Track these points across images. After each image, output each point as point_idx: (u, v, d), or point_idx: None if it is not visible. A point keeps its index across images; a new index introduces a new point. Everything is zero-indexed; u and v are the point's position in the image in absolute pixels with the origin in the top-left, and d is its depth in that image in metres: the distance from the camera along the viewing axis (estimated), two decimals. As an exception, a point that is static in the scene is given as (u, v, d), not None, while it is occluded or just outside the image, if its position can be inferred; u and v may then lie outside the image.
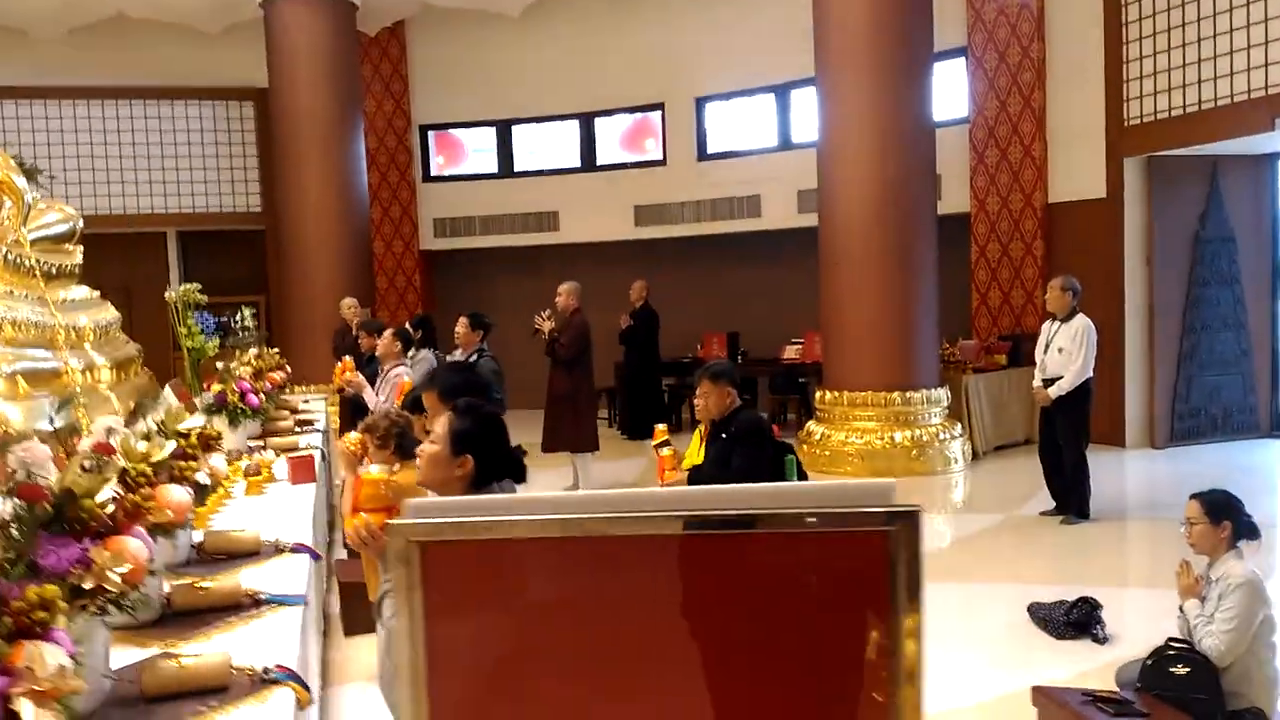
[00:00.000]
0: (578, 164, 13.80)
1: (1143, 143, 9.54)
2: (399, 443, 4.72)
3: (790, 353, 11.57)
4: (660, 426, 6.04)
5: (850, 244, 9.22)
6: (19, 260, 6.88)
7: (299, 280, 11.97)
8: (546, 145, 14.03)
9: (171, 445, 3.22)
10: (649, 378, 11.53)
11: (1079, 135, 10.09)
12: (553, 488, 8.64)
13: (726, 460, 5.40)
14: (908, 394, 9.15)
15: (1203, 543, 3.98)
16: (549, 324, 8.40)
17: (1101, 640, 5.05)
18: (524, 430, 10.60)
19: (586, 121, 13.68)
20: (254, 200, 13.80)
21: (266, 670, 2.55)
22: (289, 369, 8.37)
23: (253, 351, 7.87)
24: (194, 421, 6.21)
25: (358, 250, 12.24)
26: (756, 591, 1.06)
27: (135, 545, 2.52)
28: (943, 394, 9.34)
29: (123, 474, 3.03)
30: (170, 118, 14.01)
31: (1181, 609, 4.04)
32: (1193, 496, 4.05)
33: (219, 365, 7.07)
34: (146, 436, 3.27)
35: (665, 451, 5.50)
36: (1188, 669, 3.81)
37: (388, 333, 7.22)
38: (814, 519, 1.01)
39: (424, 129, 14.15)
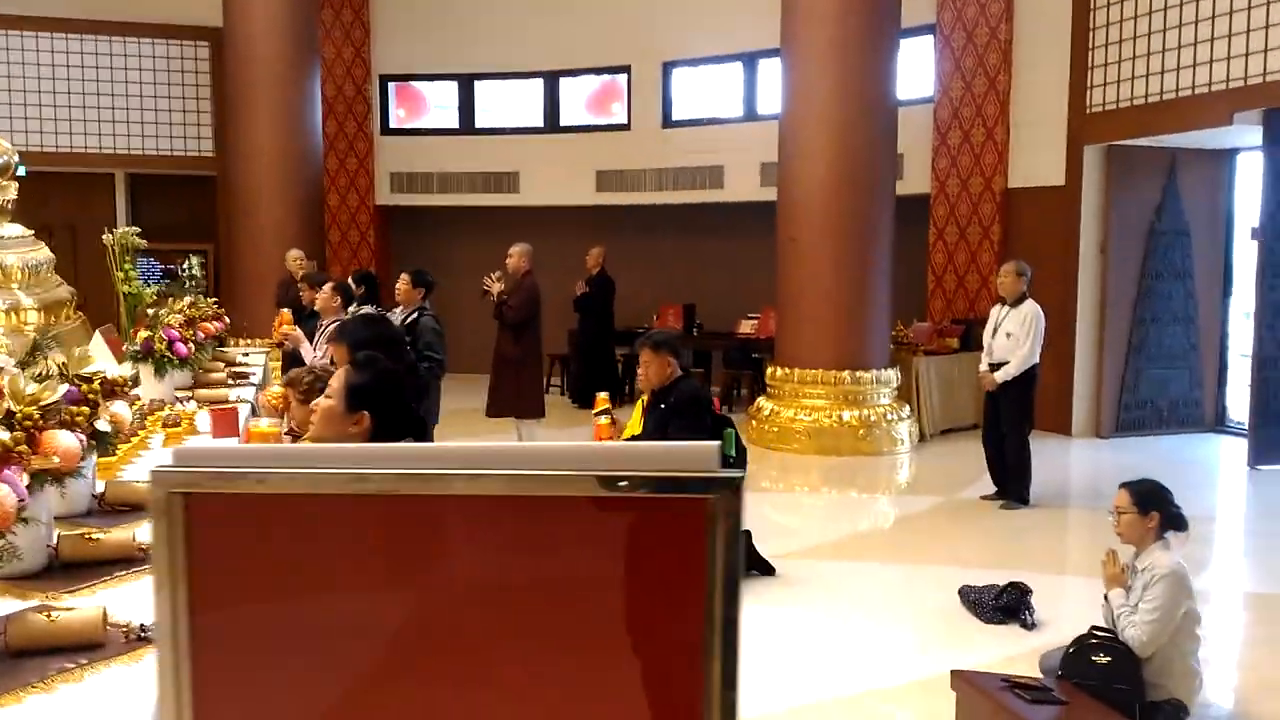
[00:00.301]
0: (540, 124, 13.56)
1: (1104, 131, 9.51)
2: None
3: (746, 327, 11.50)
4: (601, 395, 5.93)
5: (807, 218, 9.13)
6: (-59, 193, 6.59)
7: (247, 230, 11.68)
8: (509, 104, 13.78)
9: (64, 389, 3.07)
10: (602, 346, 11.40)
11: (1041, 120, 10.04)
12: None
13: (665, 431, 5.31)
14: (858, 373, 9.11)
15: (1130, 532, 3.95)
16: (498, 285, 8.24)
17: (1030, 626, 5.04)
18: (472, 394, 10.56)
19: (551, 81, 13.44)
20: (205, 144, 13.42)
21: (143, 628, 2.43)
22: (227, 320, 8.13)
23: (187, 300, 7.63)
24: (120, 369, 6.02)
25: (309, 201, 11.96)
26: (562, 558, 0.95)
27: (3, 491, 2.38)
28: (893, 375, 9.32)
29: (8, 416, 2.89)
30: (123, 55, 13.57)
31: (1106, 598, 4.02)
32: (1122, 485, 4.02)
33: (149, 312, 6.85)
34: (39, 379, 3.11)
35: (603, 420, 5.41)
36: (1109, 658, 3.79)
37: (327, 287, 7.03)
38: (626, 483, 0.90)
39: (384, 79, 13.84)
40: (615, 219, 13.13)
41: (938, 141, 10.84)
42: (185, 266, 14.45)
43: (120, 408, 3.65)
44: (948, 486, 8.11)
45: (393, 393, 2.62)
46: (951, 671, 3.78)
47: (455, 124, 13.87)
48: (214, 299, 8.45)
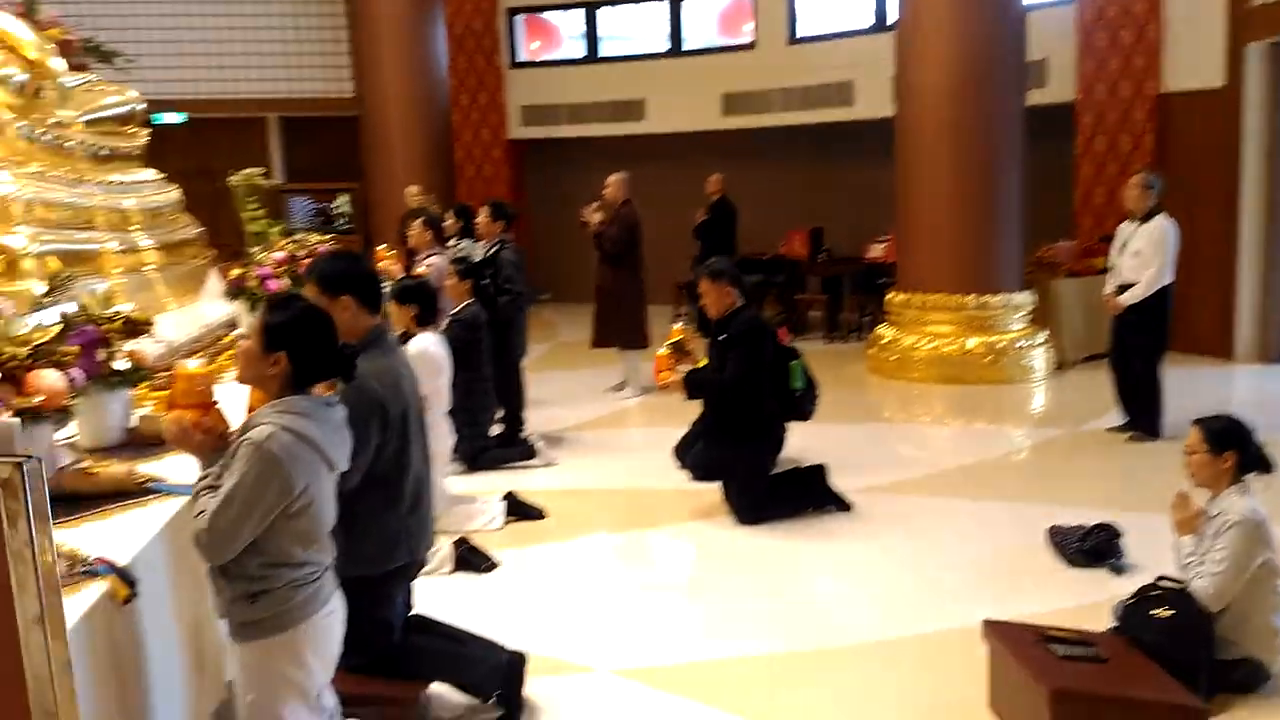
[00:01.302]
0: (665, 49, 13.25)
1: (1267, 26, 8.44)
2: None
3: (875, 251, 10.98)
4: (677, 326, 5.79)
5: (928, 132, 8.57)
6: (59, 141, 6.99)
7: (382, 167, 12.01)
8: (633, 29, 13.51)
9: (58, 328, 3.18)
10: (724, 274, 11.15)
11: (1197, 17, 9.01)
12: (602, 384, 8.51)
13: (723, 363, 5.13)
14: (984, 298, 8.56)
15: (1202, 474, 3.54)
16: (596, 216, 8.12)
17: (1120, 571, 4.62)
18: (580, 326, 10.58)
19: (675, 3, 13.07)
20: (347, 86, 13.79)
21: (87, 561, 2.49)
22: (385, 256, 8.30)
23: (296, 238, 7.89)
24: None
25: (437, 137, 12.16)
26: None
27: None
28: (1025, 298, 8.70)
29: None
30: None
31: (1177, 546, 3.63)
32: (1195, 422, 3.59)
33: (250, 251, 7.10)
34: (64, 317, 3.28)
35: (662, 351, 5.27)
36: (1172, 611, 3.43)
37: (417, 222, 7.13)
38: None
39: (511, 11, 13.81)
40: (742, 143, 12.77)
41: (1082, 44, 9.90)
42: (334, 205, 14.99)
43: (144, 345, 3.76)
44: (1077, 417, 7.55)
45: (312, 332, 2.56)
46: (984, 621, 3.50)
47: (581, 53, 13.74)
48: (353, 234, 8.63)
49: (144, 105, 8.76)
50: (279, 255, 7.05)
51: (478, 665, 3.37)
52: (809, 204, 12.26)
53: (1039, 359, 8.66)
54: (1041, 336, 8.79)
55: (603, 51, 13.64)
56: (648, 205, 11.72)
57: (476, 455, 6.28)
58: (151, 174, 8.73)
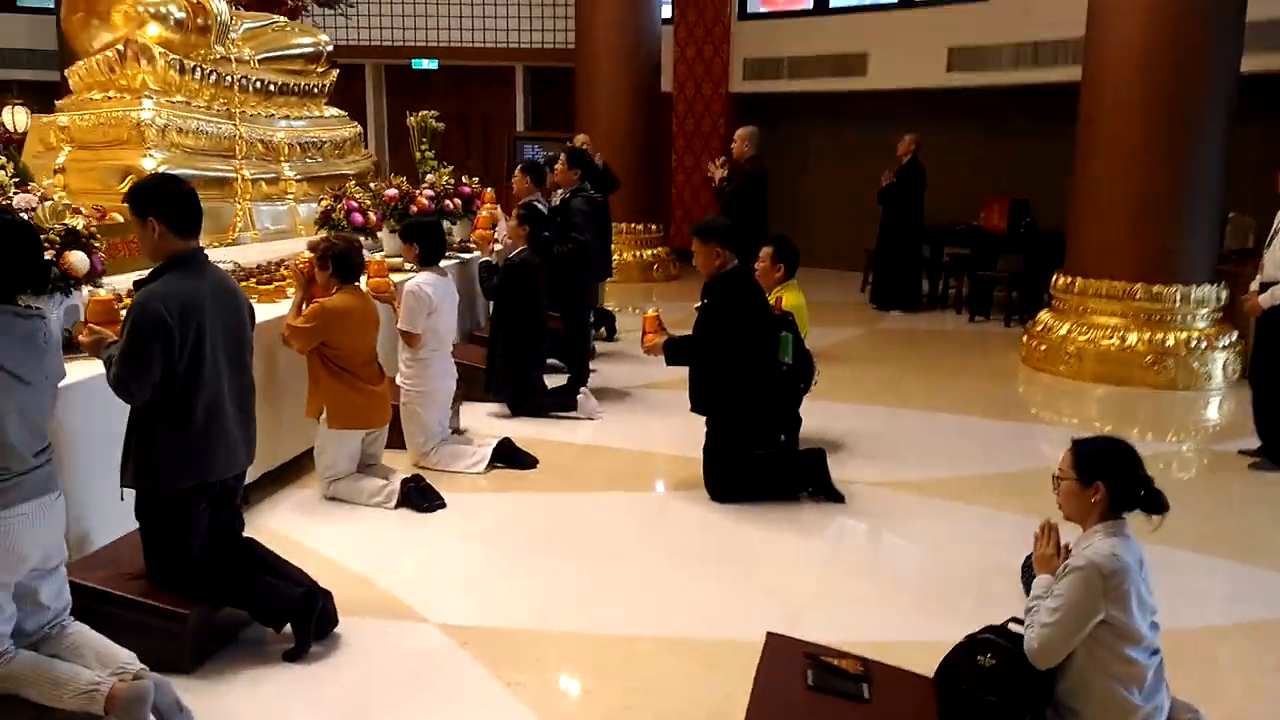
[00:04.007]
0: (894, 0, 12.43)
1: None
2: (336, 265, 4.80)
3: (1084, 228, 9.77)
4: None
5: (1116, 94, 7.47)
6: (215, 74, 7.75)
7: (590, 118, 12.22)
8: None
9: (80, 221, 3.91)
10: (907, 244, 10.41)
11: None
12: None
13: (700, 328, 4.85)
14: (1156, 288, 7.41)
15: (1069, 505, 2.93)
16: (721, 171, 7.83)
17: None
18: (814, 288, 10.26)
19: (907, -50, 12.20)
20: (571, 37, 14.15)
21: None
22: (486, 197, 8.61)
23: (435, 174, 8.26)
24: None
25: (646, 89, 12.18)
26: None
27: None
28: (1208, 292, 7.44)
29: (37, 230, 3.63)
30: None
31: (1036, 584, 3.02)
32: (1073, 442, 2.95)
33: (363, 185, 7.51)
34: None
35: (651, 311, 5.06)
36: (994, 661, 2.88)
37: (518, 169, 7.22)
38: None
39: (741, -39, 13.52)
40: (964, 102, 11.79)
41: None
42: (550, 154, 15.36)
43: (78, 256, 4.09)
44: (1215, 434, 6.43)
45: (8, 246, 2.70)
46: (768, 633, 3.10)
47: (810, 4, 13.18)
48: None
49: (331, 47, 9.49)
50: (391, 191, 7.44)
51: (268, 597, 3.44)
52: (1021, 172, 11.15)
53: (1218, 364, 7.39)
54: (1229, 338, 7.48)
55: (833, 3, 13.02)
56: (862, 164, 11.12)
57: (520, 400, 6.35)
58: (332, 111, 9.47)
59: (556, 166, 6.98)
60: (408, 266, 5.88)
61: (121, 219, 6.30)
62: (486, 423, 6.21)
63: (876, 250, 10.74)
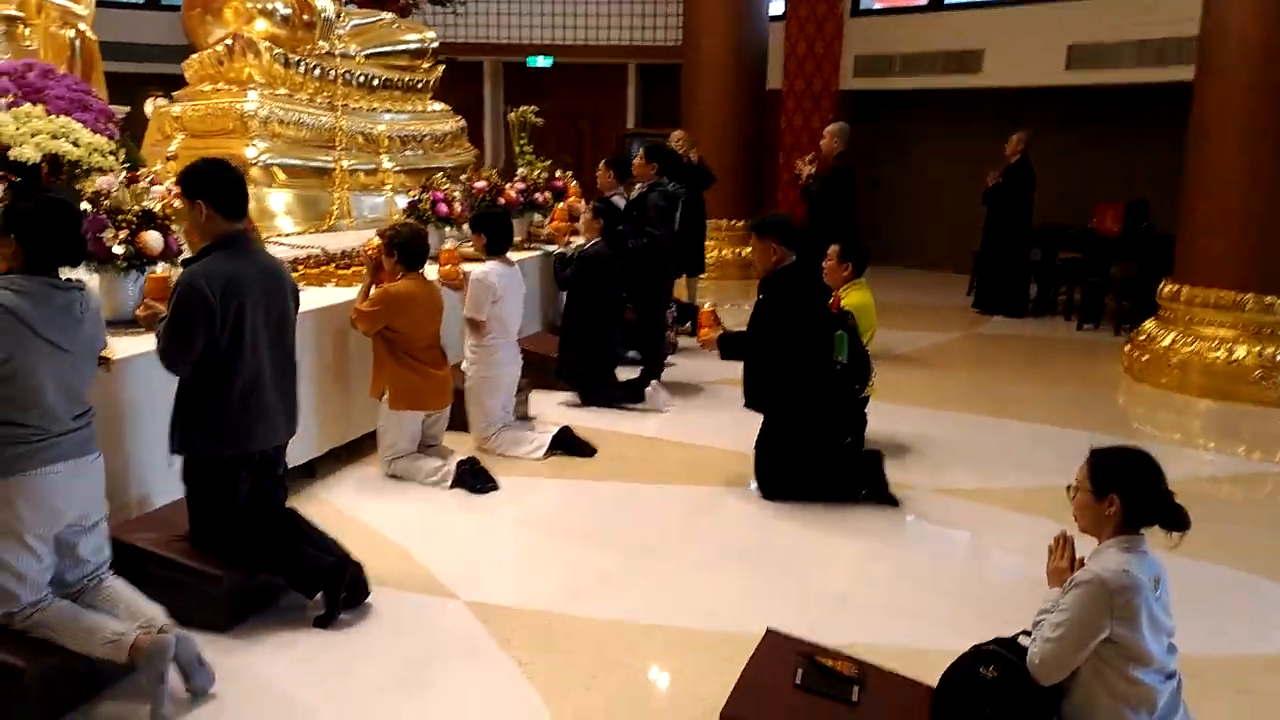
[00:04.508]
0: (1014, -7, 12.02)
1: None
2: (401, 252, 4.96)
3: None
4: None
5: (1236, 91, 7.06)
6: (320, 69, 8.05)
7: (694, 115, 12.22)
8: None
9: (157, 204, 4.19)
10: (1013, 247, 10.06)
11: None
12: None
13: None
14: (1269, 299, 6.99)
15: (1084, 517, 2.82)
16: (809, 168, 7.73)
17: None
18: (931, 291, 10.05)
19: (1025, -56, 11.77)
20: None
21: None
22: (572, 190, 8.72)
23: (525, 170, 8.42)
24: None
25: (750, 87, 12.10)
26: None
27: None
28: (1331, 306, 6.97)
29: (119, 211, 4.05)
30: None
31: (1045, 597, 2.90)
32: (1090, 452, 2.83)
33: (451, 178, 7.69)
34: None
35: (706, 306, 5.05)
36: (996, 674, 2.79)
37: (602, 163, 7.28)
38: None
39: (860, -43, 13.28)
40: (1082, 101, 11.33)
41: None
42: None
43: (151, 236, 4.32)
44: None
45: (45, 221, 2.88)
46: (768, 629, 3.06)
47: (925, 1, 12.87)
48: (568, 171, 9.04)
49: (437, 43, 9.75)
50: (480, 184, 7.62)
51: (301, 564, 3.59)
52: (1139, 174, 10.66)
53: (1338, 382, 6.92)
54: (1353, 356, 7.00)
55: (949, -1, 12.70)
56: (974, 164, 10.79)
57: (591, 391, 6.41)
58: (436, 106, 9.73)
59: (635, 160, 7.02)
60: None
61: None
62: (557, 411, 6.30)
63: (981, 252, 10.42)
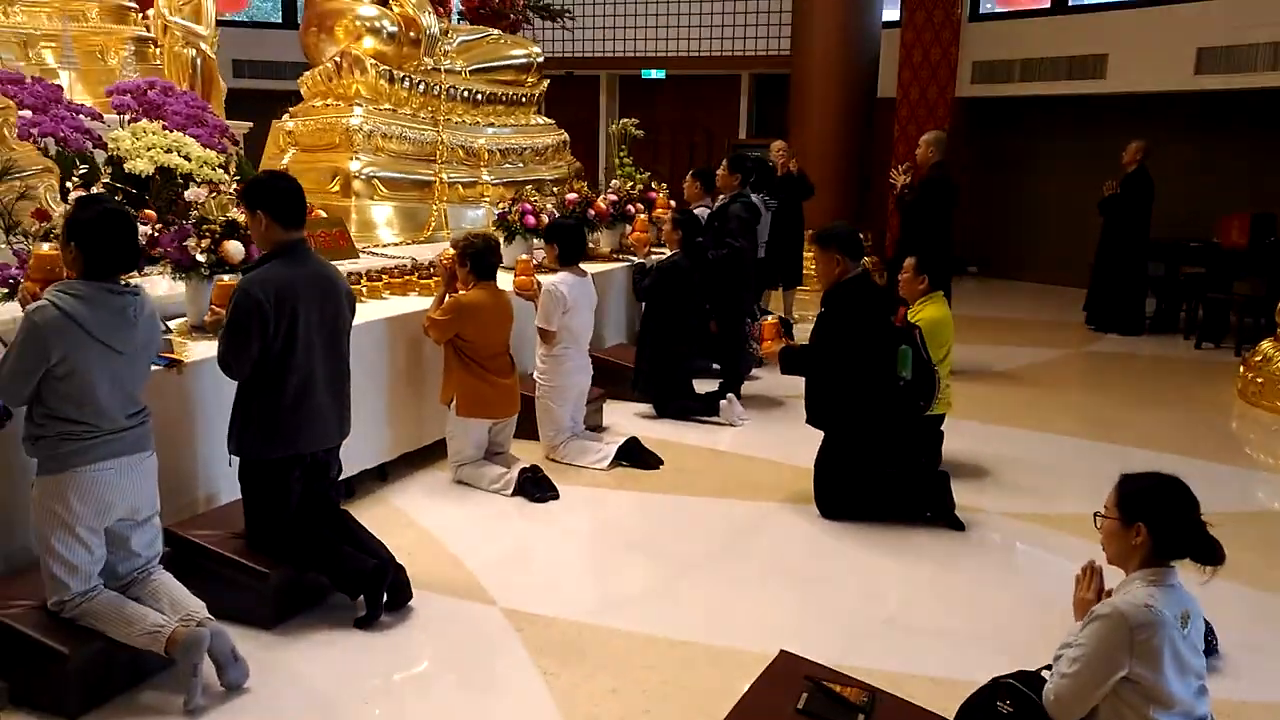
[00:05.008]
0: (1138, -4, 11.49)
1: None
2: (473, 262, 5.08)
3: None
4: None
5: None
6: (424, 85, 8.33)
7: (801, 124, 12.12)
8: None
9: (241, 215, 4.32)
10: (1129, 260, 9.59)
11: None
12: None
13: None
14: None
15: (1110, 546, 2.69)
16: (904, 178, 7.56)
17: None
18: (1047, 305, 9.72)
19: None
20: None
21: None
22: (660, 201, 8.75)
23: (618, 181, 8.49)
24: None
25: (860, 95, 11.92)
26: None
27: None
28: None
29: (204, 221, 4.32)
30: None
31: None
32: (1120, 477, 2.69)
33: (539, 189, 7.82)
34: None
35: (769, 319, 5.01)
36: (1013, 709, 2.68)
37: (689, 174, 7.28)
38: None
39: (974, -40, 12.92)
40: (1211, 107, 10.73)
41: None
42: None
43: (233, 246, 4.55)
44: None
45: (103, 230, 3.06)
46: (781, 650, 3.00)
47: (1048, 4, 12.42)
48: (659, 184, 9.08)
49: (542, 59, 9.94)
50: (571, 196, 7.73)
51: (344, 566, 3.71)
52: (1269, 185, 10.02)
53: None
54: None
55: (1072, 1, 12.21)
56: (1095, 174, 10.35)
57: (666, 402, 6.42)
58: (539, 120, 9.93)
59: (719, 172, 7.00)
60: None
61: (325, 215, 6.96)
62: (631, 422, 6.33)
63: (1096, 265, 9.97)
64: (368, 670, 3.44)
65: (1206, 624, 3.59)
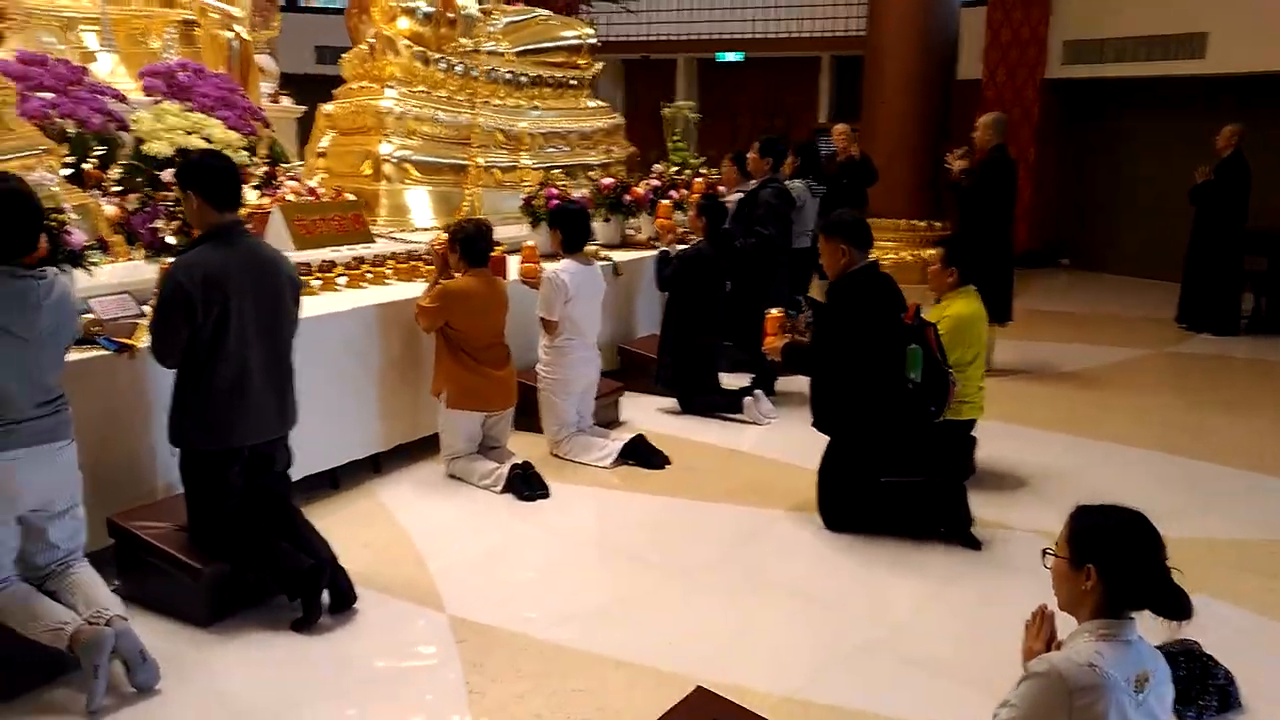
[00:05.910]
0: (1249, -32, 10.60)
1: None
2: (463, 247, 4.88)
3: None
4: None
5: None
6: (461, 67, 8.16)
7: (872, 106, 11.61)
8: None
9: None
10: (1224, 253, 8.85)
11: None
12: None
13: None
14: None
15: (1060, 590, 2.31)
16: (960, 163, 7.06)
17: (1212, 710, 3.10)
18: (1127, 298, 9.10)
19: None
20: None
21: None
22: (696, 186, 8.40)
23: (660, 166, 8.19)
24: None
25: (935, 77, 11.32)
26: None
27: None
28: None
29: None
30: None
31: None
32: (1075, 511, 2.30)
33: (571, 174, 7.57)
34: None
35: (774, 312, 4.67)
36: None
37: (726, 158, 6.94)
38: None
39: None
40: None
41: None
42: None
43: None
44: None
45: (2, 213, 2.92)
46: (697, 686, 2.69)
47: (1145, -23, 11.60)
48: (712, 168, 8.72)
49: (594, 40, 9.69)
50: (607, 180, 7.48)
51: (279, 564, 3.53)
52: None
53: None
54: None
55: (1172, -26, 11.38)
56: (1192, 160, 9.59)
57: (690, 397, 6.12)
58: (592, 103, 9.68)
59: (750, 156, 6.63)
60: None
61: (353, 198, 6.84)
62: (653, 417, 6.06)
63: (1188, 259, 9.22)
64: (292, 677, 3.25)
65: (1226, 673, 3.17)
